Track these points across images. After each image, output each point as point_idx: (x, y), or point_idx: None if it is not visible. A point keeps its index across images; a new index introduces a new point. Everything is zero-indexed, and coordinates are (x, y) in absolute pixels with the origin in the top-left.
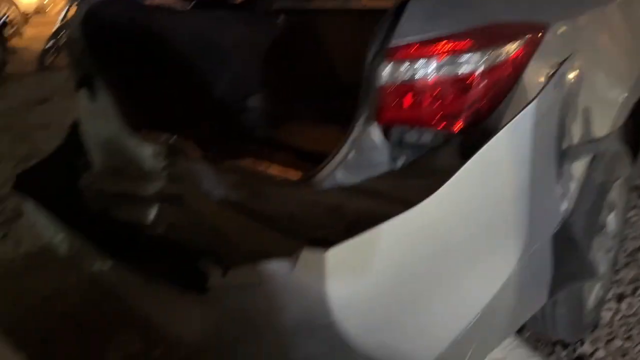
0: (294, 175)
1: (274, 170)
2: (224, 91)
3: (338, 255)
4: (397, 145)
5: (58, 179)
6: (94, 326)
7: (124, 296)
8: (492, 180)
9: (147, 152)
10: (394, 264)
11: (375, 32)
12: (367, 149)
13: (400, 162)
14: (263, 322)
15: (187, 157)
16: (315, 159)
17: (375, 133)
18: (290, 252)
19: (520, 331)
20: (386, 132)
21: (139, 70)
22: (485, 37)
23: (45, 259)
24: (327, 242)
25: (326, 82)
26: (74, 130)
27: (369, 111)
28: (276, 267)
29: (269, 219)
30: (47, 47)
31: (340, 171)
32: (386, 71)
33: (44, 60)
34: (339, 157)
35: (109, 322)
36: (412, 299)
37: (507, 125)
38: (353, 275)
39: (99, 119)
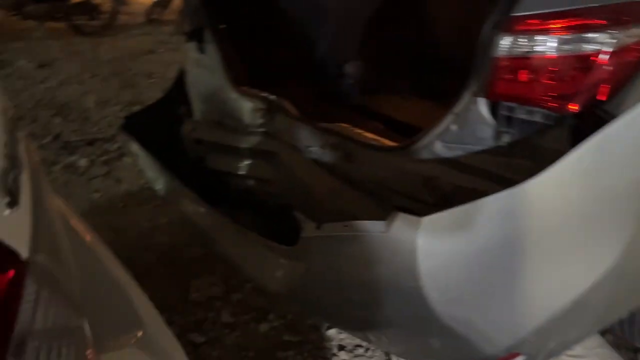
0: (384, 142)
1: (366, 136)
2: (323, 55)
3: (433, 224)
4: (504, 122)
5: (161, 124)
6: (182, 265)
7: (213, 240)
8: (603, 170)
9: (247, 107)
10: (488, 242)
11: (496, 0)
12: (471, 123)
13: (505, 140)
14: (350, 279)
15: (286, 116)
16: (406, 131)
17: (482, 107)
18: (379, 218)
19: (603, 333)
20: (493, 108)
21: (246, 27)
22: (618, 17)
23: (143, 198)
24: (417, 212)
25: (425, 53)
26: (179, 80)
27: (478, 84)
28: (371, 227)
29: (360, 182)
30: (155, 1)
31: (440, 143)
32: (504, 43)
33: (151, 13)
34: (440, 128)
35: (196, 263)
36: (502, 279)
37: (629, 112)
38: (446, 246)
39: (204, 71)
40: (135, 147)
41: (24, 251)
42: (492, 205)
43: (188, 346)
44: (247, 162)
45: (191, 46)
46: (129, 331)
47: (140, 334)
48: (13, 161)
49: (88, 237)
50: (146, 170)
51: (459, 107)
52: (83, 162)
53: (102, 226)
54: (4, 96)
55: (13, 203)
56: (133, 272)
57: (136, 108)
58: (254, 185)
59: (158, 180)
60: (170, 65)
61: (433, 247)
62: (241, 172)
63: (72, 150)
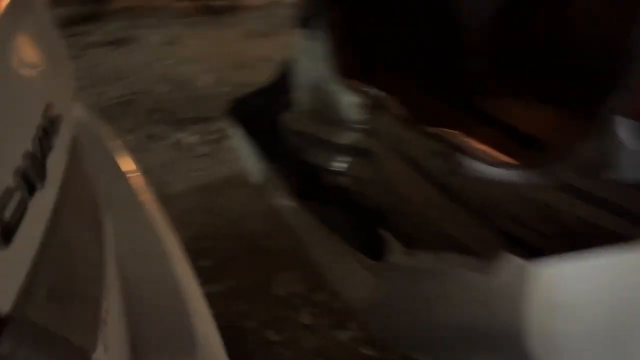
0: (500, 156)
1: (479, 146)
2: (441, 49)
3: (551, 270)
4: None
5: (264, 111)
6: (267, 256)
7: (298, 236)
8: None
9: (350, 102)
10: (624, 297)
11: None
12: (610, 147)
13: None
14: (436, 315)
15: (389, 115)
16: (529, 144)
17: (628, 128)
18: (482, 244)
19: None
20: None
21: (360, 17)
22: None
23: (241, 182)
24: (532, 245)
25: (560, 54)
26: (287, 66)
27: (623, 100)
28: (471, 266)
29: (465, 200)
30: None
31: (567, 166)
32: None
33: None
34: (570, 148)
35: (282, 256)
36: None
37: None
38: (565, 297)
39: (311, 59)
40: (236, 130)
41: (5, 304)
42: (636, 253)
43: (262, 343)
44: (343, 159)
45: (301, 32)
46: (177, 356)
47: None
48: (26, 178)
49: (162, 234)
50: (244, 155)
51: (595, 126)
52: (190, 140)
53: (197, 206)
54: (51, 88)
55: (6, 239)
56: (219, 257)
57: (247, 90)
58: (348, 185)
59: (254, 166)
60: (288, 49)
61: (546, 298)
62: (336, 170)
63: (182, 127)
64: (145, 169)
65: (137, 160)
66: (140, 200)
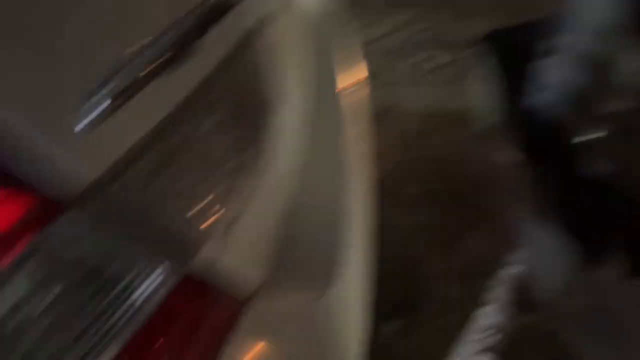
0: None
1: None
2: None
3: None
4: None
5: (525, 50)
6: (469, 207)
7: (510, 198)
8: None
9: (637, 63)
10: None
11: None
12: None
13: None
14: None
15: None
16: None
17: None
18: None
19: None
20: None
21: None
22: None
23: (470, 119)
24: None
25: None
26: (570, 5)
27: None
28: None
29: None
30: None
31: None
32: None
33: None
34: None
35: (484, 213)
36: None
37: None
38: None
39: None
40: (485, 63)
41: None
42: None
43: (433, 293)
44: (598, 129)
45: None
46: (313, 283)
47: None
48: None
49: (353, 157)
50: (483, 91)
51: None
52: (432, 64)
53: (419, 133)
54: None
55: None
56: (421, 190)
57: (512, 24)
58: (591, 162)
59: (490, 107)
60: None
61: None
62: (584, 138)
63: (431, 49)
64: (385, 82)
65: (379, 71)
66: (342, 113)
